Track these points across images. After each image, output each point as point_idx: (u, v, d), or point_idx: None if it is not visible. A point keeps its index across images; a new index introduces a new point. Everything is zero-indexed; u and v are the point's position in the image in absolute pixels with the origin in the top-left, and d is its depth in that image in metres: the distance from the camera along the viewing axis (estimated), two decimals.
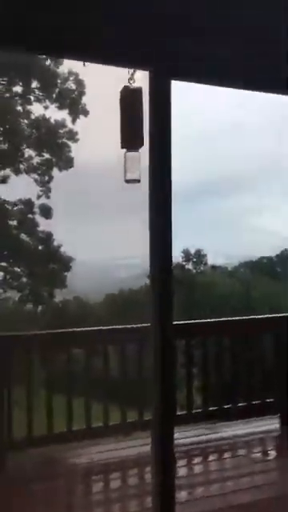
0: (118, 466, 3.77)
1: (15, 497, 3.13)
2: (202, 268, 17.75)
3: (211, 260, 17.78)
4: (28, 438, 3.77)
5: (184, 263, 17.29)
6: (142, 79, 2.20)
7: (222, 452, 4.04)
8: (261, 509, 2.93)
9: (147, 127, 2.04)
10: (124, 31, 1.91)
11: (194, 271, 17.54)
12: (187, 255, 17.38)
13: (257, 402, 4.43)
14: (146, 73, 2.03)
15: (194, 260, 17.58)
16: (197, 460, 3.92)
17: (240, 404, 4.39)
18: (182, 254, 17.20)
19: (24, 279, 13.31)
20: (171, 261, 2.07)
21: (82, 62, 2.19)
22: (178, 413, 4.32)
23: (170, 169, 1.98)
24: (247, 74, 2.19)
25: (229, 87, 2.28)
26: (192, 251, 17.39)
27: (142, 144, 2.15)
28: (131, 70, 2.22)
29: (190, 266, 17.48)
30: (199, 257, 17.61)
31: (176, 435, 2.01)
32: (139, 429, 3.98)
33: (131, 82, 2.23)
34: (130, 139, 2.17)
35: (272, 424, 4.29)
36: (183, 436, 4.05)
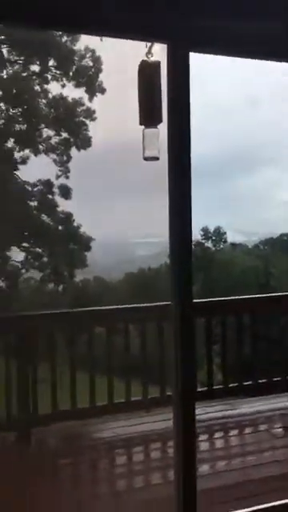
0: (141, 440, 3.86)
1: (41, 470, 3.24)
2: (221, 246, 17.61)
3: (231, 237, 17.60)
4: (52, 413, 3.88)
5: (203, 241, 17.18)
6: (160, 53, 2.15)
7: (242, 427, 4.08)
8: (282, 483, 2.96)
9: (166, 103, 2.00)
10: (141, 4, 1.86)
11: (214, 249, 17.43)
12: (206, 233, 17.25)
13: (277, 378, 4.44)
14: (164, 46, 1.99)
15: (214, 238, 17.44)
16: (217, 435, 3.98)
17: (260, 381, 4.40)
18: (201, 232, 17.08)
19: (45, 259, 13.47)
20: (191, 239, 2.06)
21: (98, 38, 2.15)
22: (199, 389, 4.37)
23: (189, 145, 1.95)
24: (265, 45, 2.12)
25: (248, 58, 2.21)
26: (211, 229, 17.24)
27: (160, 120, 2.12)
28: (149, 44, 2.17)
29: (209, 243, 17.36)
30: (218, 234, 17.45)
31: (197, 411, 2.03)
32: (161, 404, 4.04)
33: (149, 56, 2.18)
34: (148, 115, 2.14)
35: None
36: (204, 412, 4.11)
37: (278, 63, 2.26)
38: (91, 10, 1.81)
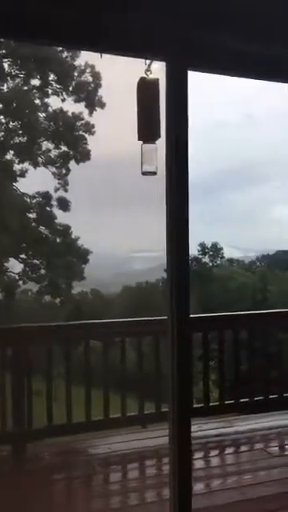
0: (136, 457, 3.80)
1: (34, 484, 3.19)
2: (218, 261, 17.66)
3: (227, 253, 17.66)
4: (47, 427, 3.84)
5: (200, 256, 17.23)
6: (158, 71, 2.18)
7: (238, 445, 4.03)
8: (278, 502, 2.92)
9: (164, 119, 2.02)
10: (141, 22, 1.89)
11: (211, 264, 17.46)
12: (204, 248, 17.30)
13: (274, 396, 4.40)
14: (163, 64, 2.02)
15: (211, 253, 17.49)
16: (213, 453, 3.92)
17: (257, 398, 4.37)
18: (199, 248, 17.14)
19: (42, 271, 13.46)
20: (188, 254, 2.06)
21: (98, 54, 2.19)
22: (195, 405, 4.33)
23: (187, 161, 1.96)
24: (263, 65, 2.16)
25: (245, 78, 2.24)
26: (208, 244, 17.31)
27: (158, 136, 2.14)
28: (148, 62, 2.20)
29: (206, 259, 17.40)
30: (216, 250, 17.51)
31: (193, 428, 2.01)
32: (157, 420, 4.00)
33: (148, 73, 2.22)
34: (146, 131, 2.16)
35: None
36: (200, 429, 4.06)
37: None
38: (91, 27, 1.84)
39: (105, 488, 3.49)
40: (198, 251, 17.07)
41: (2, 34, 2.05)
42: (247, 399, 4.34)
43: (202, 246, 17.19)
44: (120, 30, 1.88)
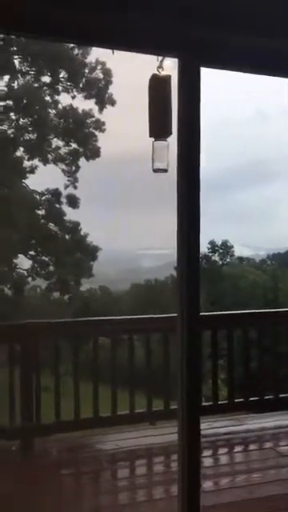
0: (144, 453, 3.81)
1: (42, 479, 3.21)
2: (228, 259, 17.58)
3: (238, 252, 17.57)
4: (55, 423, 3.86)
5: (210, 254, 17.16)
6: (170, 68, 2.17)
7: (247, 444, 4.02)
8: (285, 502, 2.91)
9: (175, 116, 2.01)
10: (153, 19, 1.88)
11: (221, 262, 17.39)
12: (213, 246, 17.24)
13: (284, 395, 4.38)
14: (175, 61, 2.01)
15: (221, 251, 17.42)
16: (222, 451, 3.92)
17: (267, 397, 4.35)
18: (209, 245, 17.07)
19: (51, 268, 13.51)
20: (199, 252, 2.05)
21: (110, 51, 2.18)
22: (204, 404, 4.33)
23: (198, 158, 1.95)
24: (274, 61, 2.14)
25: (258, 74, 2.22)
26: (218, 242, 17.23)
27: (170, 133, 2.13)
28: (160, 58, 2.19)
29: (216, 257, 17.34)
30: (226, 248, 17.43)
31: (202, 426, 2.01)
32: (165, 417, 4.00)
33: (160, 70, 2.21)
34: (158, 128, 2.15)
35: None
36: (209, 426, 4.06)
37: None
38: (104, 23, 1.83)
39: (112, 484, 3.50)
40: (208, 249, 17.00)
41: (17, 30, 2.05)
42: (257, 398, 4.32)
43: (212, 243, 17.12)
44: (133, 28, 1.87)
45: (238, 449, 3.98)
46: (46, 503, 2.93)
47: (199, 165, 1.95)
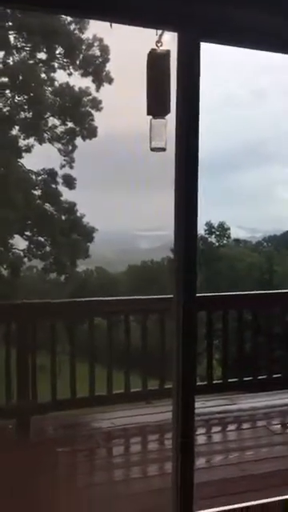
0: (139, 431, 3.87)
1: (39, 458, 3.26)
2: (224, 241, 17.58)
3: (234, 233, 17.56)
4: (51, 402, 3.89)
5: (207, 236, 17.15)
6: (170, 42, 2.12)
7: (241, 422, 4.09)
8: (279, 479, 2.97)
9: (174, 94, 1.97)
10: None
11: (217, 244, 17.40)
12: (210, 228, 17.21)
13: (277, 375, 4.43)
14: (174, 35, 1.95)
15: (217, 233, 17.40)
16: (216, 429, 3.98)
17: (260, 377, 4.40)
18: (205, 227, 17.05)
19: (48, 249, 13.47)
20: (196, 233, 2.04)
21: (108, 27, 2.11)
22: (199, 383, 4.38)
23: (197, 136, 1.92)
24: (279, 37, 2.08)
25: (258, 49, 2.17)
26: (215, 224, 17.20)
27: (168, 111, 2.08)
28: (159, 33, 2.13)
29: (212, 238, 17.33)
30: (222, 230, 17.42)
31: (196, 404, 2.03)
32: (160, 396, 4.05)
33: (159, 45, 2.15)
34: (156, 105, 2.10)
35: None
36: (203, 405, 4.11)
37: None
38: None
39: (108, 461, 3.56)
40: (205, 231, 16.98)
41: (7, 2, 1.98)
42: (250, 378, 4.37)
43: (209, 225, 17.09)
44: (131, 1, 1.81)
45: (231, 427, 4.05)
46: (42, 480, 2.98)
47: (198, 144, 1.92)
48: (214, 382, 4.35)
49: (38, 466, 3.13)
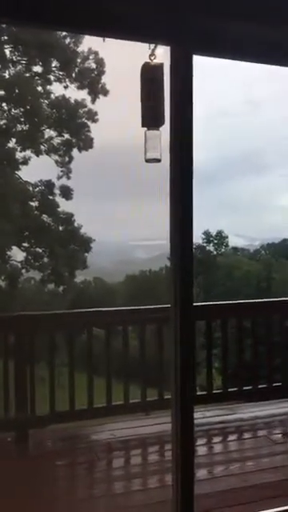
0: (139, 443, 3.84)
1: (38, 471, 3.23)
2: (223, 249, 17.61)
3: (232, 242, 17.60)
4: (50, 414, 3.86)
5: (205, 244, 17.18)
6: (163, 56, 2.14)
7: (241, 432, 4.06)
8: (281, 490, 2.94)
9: (168, 105, 1.99)
10: (145, 5, 1.85)
11: (215, 253, 17.42)
12: (208, 236, 17.25)
13: (277, 384, 4.42)
14: (167, 48, 1.98)
15: (215, 241, 17.44)
16: (216, 439, 3.95)
17: (260, 386, 4.38)
18: (203, 236, 17.09)
19: (45, 259, 13.47)
20: (192, 242, 2.05)
21: (101, 39, 2.14)
22: (198, 393, 4.35)
23: (191, 147, 1.93)
24: (271, 49, 2.12)
25: (252, 62, 2.20)
26: (213, 233, 17.25)
27: (162, 122, 2.11)
28: (152, 46, 2.16)
29: (210, 247, 17.36)
30: (220, 238, 17.46)
31: (196, 415, 2.02)
32: (159, 407, 4.02)
33: (152, 58, 2.18)
34: (150, 117, 2.13)
35: None
36: (203, 416, 4.09)
37: (280, 67, 2.25)
38: (93, 11, 1.80)
39: (108, 474, 3.52)
40: (203, 239, 17.02)
41: (3, 17, 2.01)
42: (250, 387, 4.35)
43: (207, 234, 17.13)
44: (123, 14, 1.84)
45: (231, 437, 4.02)
46: (41, 494, 2.95)
47: (192, 154, 1.93)
48: (214, 391, 4.33)
49: (37, 479, 3.09)
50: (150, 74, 2.14)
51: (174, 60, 1.92)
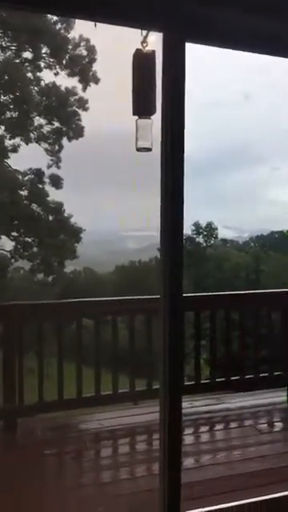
0: (127, 432, 3.86)
1: (26, 460, 3.23)
2: (212, 241, 17.66)
3: (222, 234, 17.66)
4: (38, 403, 3.86)
5: (194, 236, 17.21)
6: (155, 43, 2.11)
7: (228, 422, 4.10)
8: (267, 478, 2.99)
9: (160, 94, 1.97)
10: None
11: (205, 244, 17.47)
12: (198, 228, 17.28)
13: (264, 374, 4.46)
14: (160, 35, 1.95)
15: (205, 233, 17.47)
16: (203, 429, 3.99)
17: (247, 376, 4.43)
18: (193, 227, 17.11)
19: (35, 249, 13.38)
20: (182, 232, 2.04)
21: (93, 26, 2.10)
22: (186, 383, 4.38)
23: (183, 136, 1.92)
24: (261, 38, 2.10)
25: (245, 51, 2.18)
26: (203, 224, 17.27)
27: (154, 111, 2.08)
28: (144, 33, 2.13)
29: (200, 239, 17.40)
30: (210, 230, 17.49)
31: (184, 404, 2.03)
32: (148, 397, 4.04)
33: (144, 45, 2.14)
34: (141, 105, 2.10)
35: (279, 396, 4.33)
36: (190, 405, 4.12)
37: (272, 59, 2.23)
38: None
39: (96, 463, 3.54)
40: (192, 231, 17.04)
41: None
42: (238, 377, 4.39)
43: (197, 225, 17.15)
44: (116, 1, 1.80)
45: (219, 427, 4.06)
46: (30, 483, 2.95)
47: (183, 143, 1.92)
48: (202, 381, 4.36)
49: (25, 468, 3.10)
50: (141, 62, 2.11)
51: (167, 47, 1.89)
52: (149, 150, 2.18)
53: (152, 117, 2.14)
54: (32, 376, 3.89)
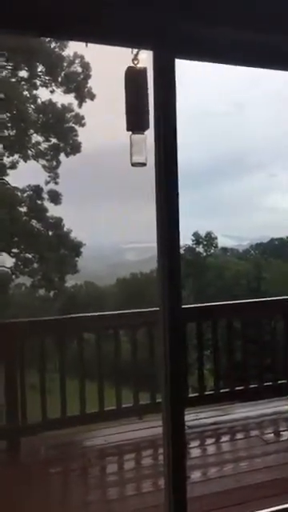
0: (132, 448, 3.82)
1: (30, 478, 3.20)
2: (212, 250, 17.65)
3: (221, 242, 17.67)
4: (42, 422, 3.83)
5: (194, 246, 17.21)
6: (146, 60, 2.15)
7: (234, 433, 4.07)
8: (274, 489, 2.95)
9: (153, 109, 2.00)
10: (128, 10, 1.86)
11: (205, 254, 17.46)
12: (197, 238, 17.28)
13: (268, 383, 4.44)
14: (150, 53, 1.99)
15: (205, 243, 17.48)
16: (209, 441, 3.95)
17: (251, 386, 4.40)
18: (193, 237, 17.12)
19: (35, 265, 13.39)
20: (179, 244, 2.05)
21: (84, 44, 2.14)
22: (191, 395, 4.35)
23: (175, 150, 1.94)
24: (251, 52, 2.14)
25: (234, 65, 2.22)
26: (202, 234, 17.28)
27: (147, 126, 2.11)
28: (135, 51, 2.17)
29: (200, 248, 17.39)
30: (210, 239, 17.50)
31: (188, 417, 2.02)
32: (152, 411, 4.02)
33: (135, 62, 2.18)
34: (135, 121, 2.13)
35: (284, 406, 4.30)
36: (196, 417, 4.09)
37: (264, 70, 2.27)
38: (77, 15, 1.80)
39: (100, 479, 3.51)
40: (192, 241, 17.05)
41: None
42: (242, 387, 4.37)
43: (196, 235, 17.16)
44: (106, 19, 1.84)
45: (225, 438, 4.03)
46: (36, 501, 2.92)
47: (176, 156, 1.94)
48: (206, 392, 4.33)
49: (30, 489, 3.06)
50: (133, 79, 2.15)
51: (157, 64, 1.93)
52: (143, 164, 2.20)
53: (146, 132, 2.17)
54: (35, 393, 3.86)
